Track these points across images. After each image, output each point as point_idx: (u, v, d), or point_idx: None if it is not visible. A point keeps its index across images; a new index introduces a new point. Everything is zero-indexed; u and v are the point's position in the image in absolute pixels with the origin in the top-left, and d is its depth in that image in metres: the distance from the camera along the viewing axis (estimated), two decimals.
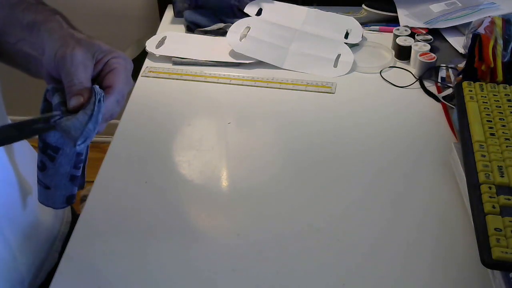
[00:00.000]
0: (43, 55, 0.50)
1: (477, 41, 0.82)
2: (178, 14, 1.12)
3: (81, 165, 0.53)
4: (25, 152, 0.66)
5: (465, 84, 0.78)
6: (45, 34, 0.50)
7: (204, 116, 0.87)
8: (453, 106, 0.82)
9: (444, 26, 1.00)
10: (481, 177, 0.62)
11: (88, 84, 0.47)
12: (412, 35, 0.97)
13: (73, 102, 0.45)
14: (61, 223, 0.75)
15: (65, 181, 0.53)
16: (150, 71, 0.96)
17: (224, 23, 1.05)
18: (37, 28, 0.51)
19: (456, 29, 1.00)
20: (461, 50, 0.95)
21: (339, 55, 0.96)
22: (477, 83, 0.78)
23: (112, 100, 0.47)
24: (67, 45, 0.47)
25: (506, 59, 0.82)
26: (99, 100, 0.45)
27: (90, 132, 0.46)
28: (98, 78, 0.49)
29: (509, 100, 0.74)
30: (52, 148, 0.50)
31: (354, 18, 1.06)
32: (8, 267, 0.60)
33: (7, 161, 0.60)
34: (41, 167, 0.52)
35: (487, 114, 0.71)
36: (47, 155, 0.51)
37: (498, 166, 0.63)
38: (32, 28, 0.52)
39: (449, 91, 0.86)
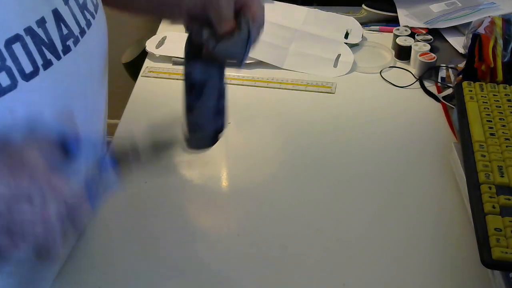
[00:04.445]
0: None
1: (477, 41, 0.82)
2: None
3: (223, 99, 0.56)
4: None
5: (465, 84, 0.78)
6: None
7: None
8: (453, 106, 0.82)
9: (444, 26, 1.00)
10: (481, 177, 0.62)
11: (232, 18, 0.53)
12: (412, 35, 0.97)
13: (224, 28, 0.51)
14: None
15: (212, 115, 0.56)
16: (150, 71, 0.95)
17: None
18: None
19: (456, 29, 1.00)
20: (461, 50, 0.95)
21: (339, 55, 0.96)
22: (477, 83, 0.78)
23: (255, 27, 0.53)
24: None
25: (506, 59, 0.81)
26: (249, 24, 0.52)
27: (249, 50, 0.52)
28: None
29: (509, 100, 0.74)
30: (196, 86, 0.54)
31: (354, 18, 1.06)
32: None
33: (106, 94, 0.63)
34: (189, 109, 0.55)
35: (487, 114, 0.71)
36: (193, 95, 0.55)
37: (498, 166, 0.63)
38: None
39: (449, 91, 0.86)
